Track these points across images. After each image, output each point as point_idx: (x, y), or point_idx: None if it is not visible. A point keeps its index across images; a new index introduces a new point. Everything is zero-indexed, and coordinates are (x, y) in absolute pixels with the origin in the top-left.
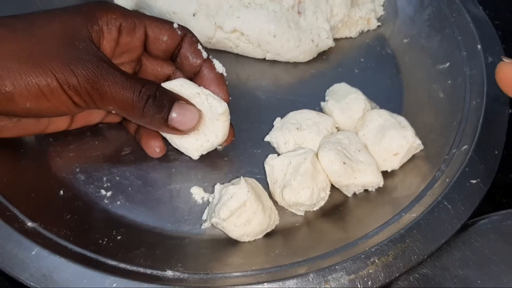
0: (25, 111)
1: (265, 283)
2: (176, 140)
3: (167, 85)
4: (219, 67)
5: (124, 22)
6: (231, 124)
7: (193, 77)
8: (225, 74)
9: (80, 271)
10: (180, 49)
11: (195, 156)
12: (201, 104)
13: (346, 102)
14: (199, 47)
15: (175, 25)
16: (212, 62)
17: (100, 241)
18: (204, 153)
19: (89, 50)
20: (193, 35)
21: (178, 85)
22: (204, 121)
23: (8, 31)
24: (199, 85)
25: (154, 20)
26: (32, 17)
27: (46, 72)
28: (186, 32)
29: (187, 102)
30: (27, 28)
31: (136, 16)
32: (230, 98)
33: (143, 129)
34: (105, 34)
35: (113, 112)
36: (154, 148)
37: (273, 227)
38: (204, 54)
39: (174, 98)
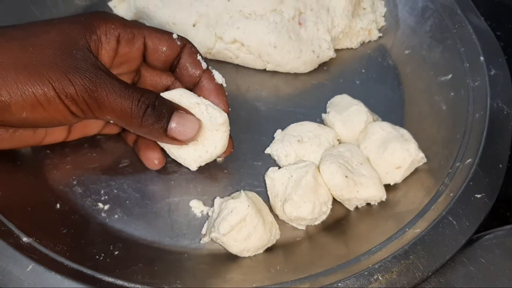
0: (21, 121)
1: None
2: (174, 151)
3: (166, 95)
4: (218, 77)
5: (123, 32)
6: (230, 136)
7: (193, 88)
8: (224, 85)
9: None
10: (179, 59)
11: (194, 167)
12: (201, 114)
13: (348, 114)
14: (199, 57)
15: (175, 36)
16: (212, 72)
17: (97, 257)
18: (202, 164)
19: (87, 59)
20: (193, 46)
21: (177, 95)
22: (203, 132)
23: (5, 40)
24: (199, 96)
25: (154, 31)
26: (29, 27)
27: (43, 81)
28: (185, 42)
29: (187, 111)
30: (24, 37)
31: (135, 26)
32: (230, 109)
33: (141, 140)
34: (104, 44)
35: (112, 122)
36: (153, 160)
37: (274, 242)
38: (204, 65)
39: (173, 108)
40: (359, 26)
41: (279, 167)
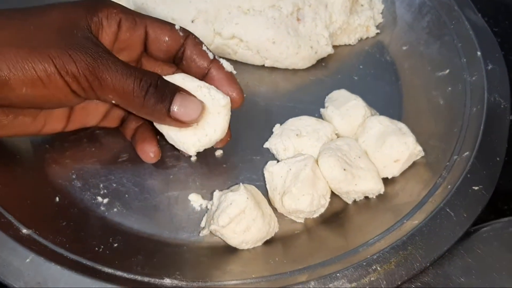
0: (21, 98)
1: None
2: (172, 135)
3: (168, 78)
4: (227, 66)
5: (125, 17)
6: (229, 125)
7: (202, 79)
8: (234, 72)
9: (76, 279)
10: (184, 51)
11: (192, 151)
12: (203, 97)
13: (346, 108)
14: (204, 48)
15: (177, 27)
16: (220, 62)
17: (97, 249)
18: (201, 149)
19: (88, 38)
20: (196, 37)
21: (180, 79)
22: (205, 115)
23: (6, 19)
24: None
25: (156, 20)
26: (29, 8)
27: (43, 57)
28: (188, 34)
29: (189, 94)
30: (25, 17)
31: (137, 14)
32: (245, 95)
33: (138, 134)
34: (105, 26)
35: (113, 102)
36: (149, 153)
37: (273, 235)
38: (210, 55)
39: (175, 89)
40: (357, 22)
41: (278, 161)
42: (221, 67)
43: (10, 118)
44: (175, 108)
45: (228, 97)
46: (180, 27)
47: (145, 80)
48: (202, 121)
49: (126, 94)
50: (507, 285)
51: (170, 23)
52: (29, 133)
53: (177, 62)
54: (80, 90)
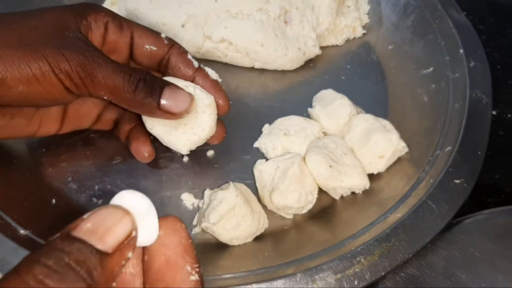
0: (18, 96)
1: (254, 284)
2: (164, 137)
3: None
4: (212, 74)
5: (111, 20)
6: (222, 121)
7: None
8: (219, 80)
9: None
10: (168, 59)
11: (184, 151)
12: None
13: (333, 107)
14: (189, 57)
15: (163, 35)
16: (205, 70)
17: None
18: (193, 147)
19: (79, 39)
20: (181, 46)
21: (166, 79)
22: (192, 115)
23: (1, 22)
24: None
25: (142, 27)
26: (22, 12)
27: (38, 57)
28: (173, 43)
29: (177, 87)
30: (20, 19)
31: (124, 19)
32: (235, 96)
33: (132, 135)
34: (93, 29)
35: (105, 98)
36: (143, 153)
37: (262, 231)
38: (195, 63)
39: (164, 83)
40: (344, 23)
41: (267, 160)
42: (206, 75)
43: (6, 118)
44: (164, 101)
45: (212, 97)
46: (166, 36)
47: (134, 76)
48: (190, 122)
49: (117, 90)
50: (489, 275)
51: (156, 31)
52: (24, 135)
53: (162, 71)
54: (73, 87)
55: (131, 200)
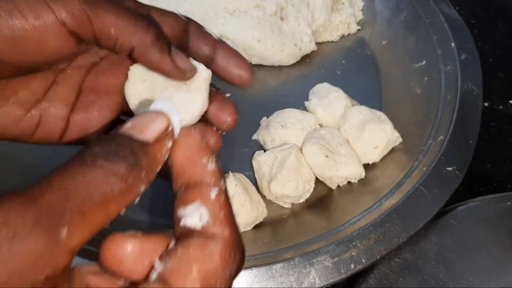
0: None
1: (253, 268)
2: None
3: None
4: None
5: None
6: (233, 103)
7: (208, 62)
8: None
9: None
10: (188, 36)
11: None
12: None
13: (328, 100)
14: (206, 30)
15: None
16: (224, 42)
17: None
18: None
19: None
20: (196, 22)
21: None
22: (183, 89)
23: None
24: (219, 71)
25: (157, 8)
26: None
27: None
28: (189, 19)
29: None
30: None
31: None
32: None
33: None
34: None
35: (112, 32)
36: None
37: (261, 219)
38: (215, 36)
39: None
40: (338, 20)
41: (265, 151)
42: (227, 46)
43: None
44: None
45: (209, 70)
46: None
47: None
48: (181, 99)
49: (130, 26)
50: (481, 259)
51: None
52: (17, 134)
53: (181, 47)
54: (72, 21)
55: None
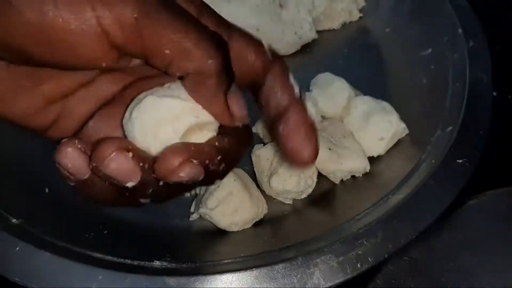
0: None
1: (254, 269)
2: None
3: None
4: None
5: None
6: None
7: (277, 119)
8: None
9: (66, 264)
10: (266, 78)
11: None
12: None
13: (330, 90)
14: (291, 80)
15: (266, 45)
16: (304, 103)
17: (86, 235)
18: None
19: None
20: (284, 63)
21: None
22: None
23: None
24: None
25: (238, 28)
26: None
27: None
28: (277, 57)
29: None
30: None
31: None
32: None
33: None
34: None
35: (167, 52)
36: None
37: (262, 216)
38: (296, 90)
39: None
40: (340, 7)
41: (264, 144)
42: (303, 110)
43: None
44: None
45: (216, 122)
46: (269, 45)
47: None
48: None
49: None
50: (493, 256)
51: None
52: (33, 123)
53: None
54: (117, 31)
55: None
